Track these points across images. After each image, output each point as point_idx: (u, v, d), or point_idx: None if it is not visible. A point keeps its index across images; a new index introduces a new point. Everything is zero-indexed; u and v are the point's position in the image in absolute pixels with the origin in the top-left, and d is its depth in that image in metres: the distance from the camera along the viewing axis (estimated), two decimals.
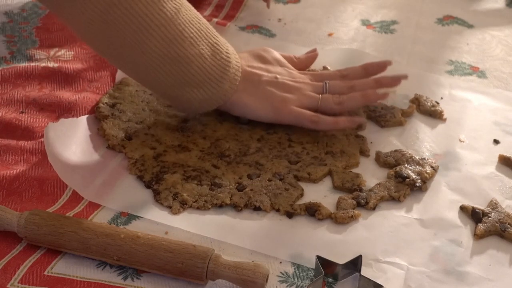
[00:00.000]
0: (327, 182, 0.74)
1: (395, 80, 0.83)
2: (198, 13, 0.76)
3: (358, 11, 1.08)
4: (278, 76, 0.80)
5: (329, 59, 0.93)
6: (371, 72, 0.84)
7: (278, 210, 0.70)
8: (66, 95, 0.83)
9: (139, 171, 0.73)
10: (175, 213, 0.68)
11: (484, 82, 0.92)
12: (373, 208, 0.70)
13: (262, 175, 0.73)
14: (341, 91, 0.81)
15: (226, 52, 0.76)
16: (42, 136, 0.74)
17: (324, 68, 0.91)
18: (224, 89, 0.75)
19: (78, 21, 0.69)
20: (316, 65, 0.92)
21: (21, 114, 0.79)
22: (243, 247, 0.65)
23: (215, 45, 0.75)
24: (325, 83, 0.81)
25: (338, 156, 0.76)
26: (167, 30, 0.71)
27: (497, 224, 0.69)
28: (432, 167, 0.75)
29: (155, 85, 0.76)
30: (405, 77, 0.84)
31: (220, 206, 0.70)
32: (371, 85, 0.82)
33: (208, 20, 1.00)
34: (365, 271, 0.63)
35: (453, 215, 0.71)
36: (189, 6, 0.74)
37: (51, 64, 0.89)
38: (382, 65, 0.85)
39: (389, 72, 0.92)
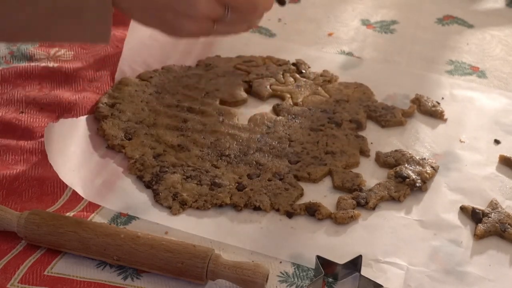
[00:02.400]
0: (327, 182, 0.74)
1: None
2: None
3: (358, 11, 1.08)
4: None
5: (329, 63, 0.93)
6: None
7: (278, 210, 0.70)
8: (66, 95, 0.83)
9: (139, 171, 0.73)
10: (175, 214, 0.68)
11: (484, 82, 0.92)
12: (373, 208, 0.70)
13: (262, 175, 0.73)
14: (237, 28, 0.73)
15: None
16: (42, 136, 0.74)
17: (325, 71, 0.91)
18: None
19: None
20: (316, 68, 0.92)
21: (21, 114, 0.79)
22: (243, 247, 0.65)
23: None
24: (227, 13, 0.69)
25: (338, 156, 0.76)
26: None
27: (497, 225, 0.69)
28: (432, 167, 0.75)
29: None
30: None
31: (220, 206, 0.70)
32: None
33: None
34: (365, 271, 0.63)
35: (453, 215, 0.70)
36: None
37: (51, 64, 0.89)
38: None
39: (388, 72, 0.93)
